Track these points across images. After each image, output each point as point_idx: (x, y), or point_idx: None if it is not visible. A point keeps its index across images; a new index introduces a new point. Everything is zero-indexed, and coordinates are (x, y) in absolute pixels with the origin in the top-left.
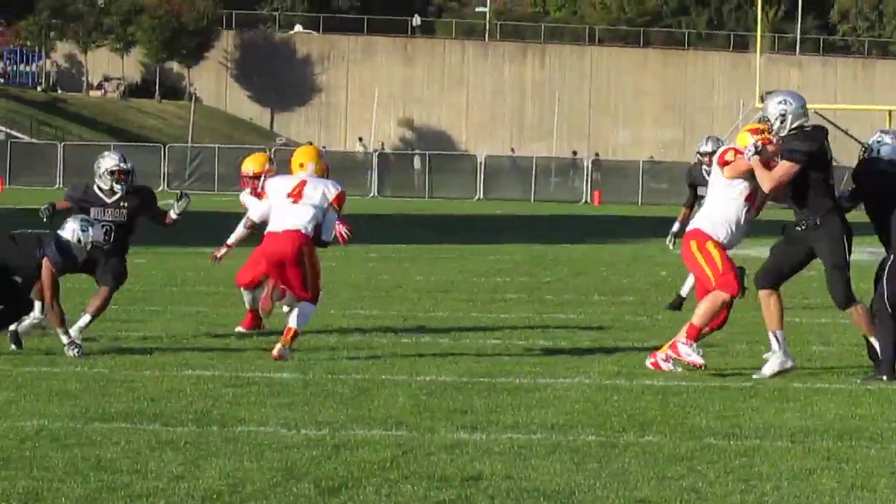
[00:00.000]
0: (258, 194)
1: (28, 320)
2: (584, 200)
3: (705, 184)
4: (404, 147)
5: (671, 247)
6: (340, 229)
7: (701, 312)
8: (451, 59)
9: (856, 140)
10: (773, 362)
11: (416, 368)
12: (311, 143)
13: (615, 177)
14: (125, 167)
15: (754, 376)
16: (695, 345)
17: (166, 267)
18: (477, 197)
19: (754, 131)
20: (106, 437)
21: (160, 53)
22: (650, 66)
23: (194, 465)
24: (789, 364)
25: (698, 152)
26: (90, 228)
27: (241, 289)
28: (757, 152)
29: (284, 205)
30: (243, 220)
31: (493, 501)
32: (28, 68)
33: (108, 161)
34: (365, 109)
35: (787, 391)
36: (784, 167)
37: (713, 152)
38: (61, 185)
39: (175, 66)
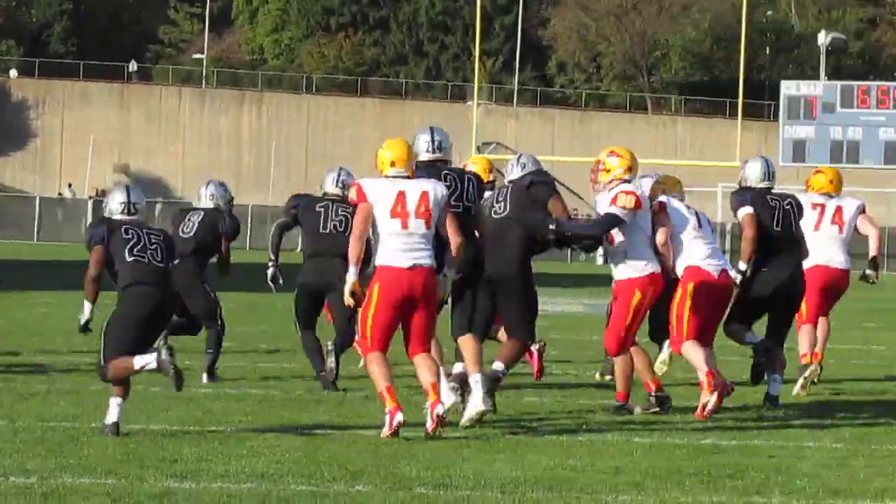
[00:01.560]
0: None
1: None
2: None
3: None
4: None
5: None
6: None
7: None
8: (167, 106)
9: (571, 191)
10: (471, 408)
11: (126, 417)
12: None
13: None
14: None
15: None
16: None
17: None
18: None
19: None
20: None
21: None
22: (368, 115)
23: None
24: (484, 407)
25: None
26: None
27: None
28: None
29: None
30: None
31: None
32: None
33: None
34: (80, 155)
35: (499, 441)
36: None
37: None
38: None
39: None
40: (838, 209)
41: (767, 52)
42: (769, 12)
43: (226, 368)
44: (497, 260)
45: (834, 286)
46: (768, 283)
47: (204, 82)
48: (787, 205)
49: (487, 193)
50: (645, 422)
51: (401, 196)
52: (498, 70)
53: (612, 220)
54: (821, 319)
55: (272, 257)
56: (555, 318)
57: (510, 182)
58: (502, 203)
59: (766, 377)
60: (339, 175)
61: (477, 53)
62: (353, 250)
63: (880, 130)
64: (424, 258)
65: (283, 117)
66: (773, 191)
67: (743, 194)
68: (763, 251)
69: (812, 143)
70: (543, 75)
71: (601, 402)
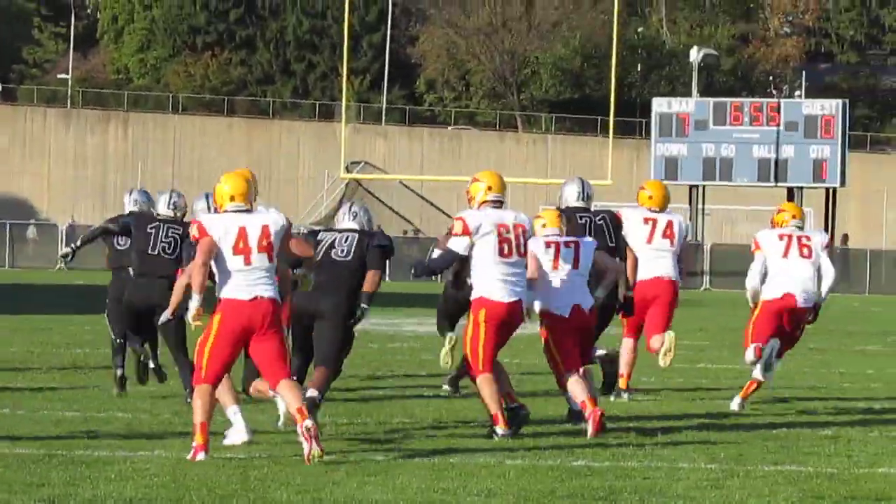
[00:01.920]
0: None
1: None
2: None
3: None
4: None
5: None
6: None
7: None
8: (32, 127)
9: (440, 210)
10: (234, 435)
11: None
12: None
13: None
14: None
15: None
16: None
17: None
18: (58, 267)
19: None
20: None
21: None
22: (235, 135)
23: None
24: (245, 437)
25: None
26: None
27: None
28: None
29: None
30: None
31: None
32: None
33: None
34: None
35: (369, 465)
36: None
37: None
38: None
39: None
40: (669, 223)
41: (639, 68)
42: (640, 29)
43: (96, 391)
44: (329, 296)
45: (664, 298)
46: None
47: (69, 102)
48: (599, 220)
49: (328, 234)
50: (518, 443)
51: (242, 232)
52: (366, 89)
53: (449, 257)
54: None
55: (77, 245)
56: (427, 338)
57: (350, 230)
58: (345, 248)
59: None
60: (170, 197)
61: (345, 72)
62: (196, 279)
63: (753, 147)
64: (267, 290)
65: (149, 137)
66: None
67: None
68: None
69: (684, 160)
70: (412, 94)
71: (473, 423)
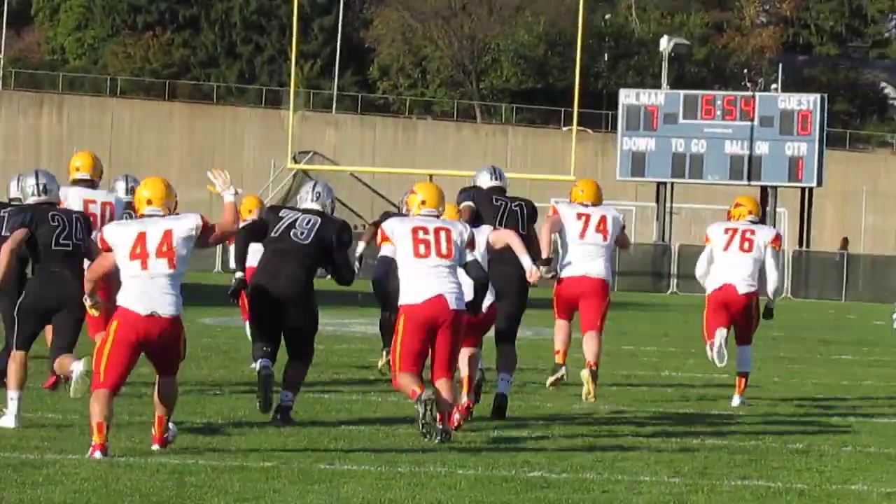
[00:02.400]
0: None
1: None
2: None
3: None
4: None
5: None
6: None
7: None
8: None
9: (392, 204)
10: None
11: None
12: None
13: None
14: None
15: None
16: None
17: None
18: None
19: None
20: None
21: None
22: (176, 120)
23: None
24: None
25: None
26: None
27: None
28: None
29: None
30: None
31: None
32: None
33: None
34: None
35: (313, 472)
36: None
37: None
38: None
39: None
40: (602, 218)
41: (606, 57)
42: (608, 16)
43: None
44: (289, 279)
45: (593, 298)
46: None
47: (1, 83)
48: (515, 206)
49: (290, 213)
50: (471, 451)
51: (141, 237)
52: (316, 74)
53: (385, 264)
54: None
55: None
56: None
57: (309, 210)
58: (306, 230)
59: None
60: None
61: (293, 56)
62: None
63: (726, 143)
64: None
65: (85, 121)
66: (507, 194)
67: (468, 191)
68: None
69: (652, 155)
70: (365, 80)
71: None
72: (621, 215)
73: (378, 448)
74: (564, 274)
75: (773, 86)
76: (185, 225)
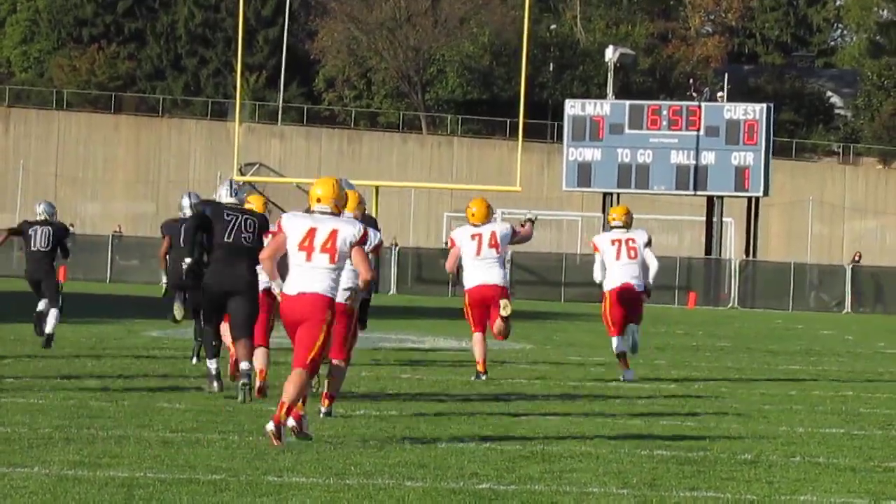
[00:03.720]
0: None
1: None
2: None
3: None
4: None
5: None
6: None
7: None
8: None
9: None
10: None
11: None
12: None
13: (83, 252)
14: None
15: None
16: None
17: None
18: None
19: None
20: None
21: None
22: (122, 133)
23: None
24: None
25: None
26: None
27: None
28: None
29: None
30: None
31: None
32: None
33: None
34: None
35: (261, 485)
36: None
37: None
38: None
39: None
40: (492, 234)
41: (551, 68)
42: (553, 26)
43: None
44: (242, 276)
45: (487, 301)
46: (210, 287)
47: None
48: (245, 219)
49: (232, 215)
50: (419, 464)
51: (311, 232)
52: (262, 86)
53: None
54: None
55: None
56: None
57: (250, 214)
58: (250, 235)
59: None
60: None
61: (239, 68)
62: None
63: (672, 153)
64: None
65: (31, 134)
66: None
67: (205, 204)
68: (213, 259)
69: (598, 166)
70: (310, 92)
71: (372, 442)
72: (508, 225)
73: (326, 460)
74: (468, 286)
75: (719, 95)
76: (349, 230)
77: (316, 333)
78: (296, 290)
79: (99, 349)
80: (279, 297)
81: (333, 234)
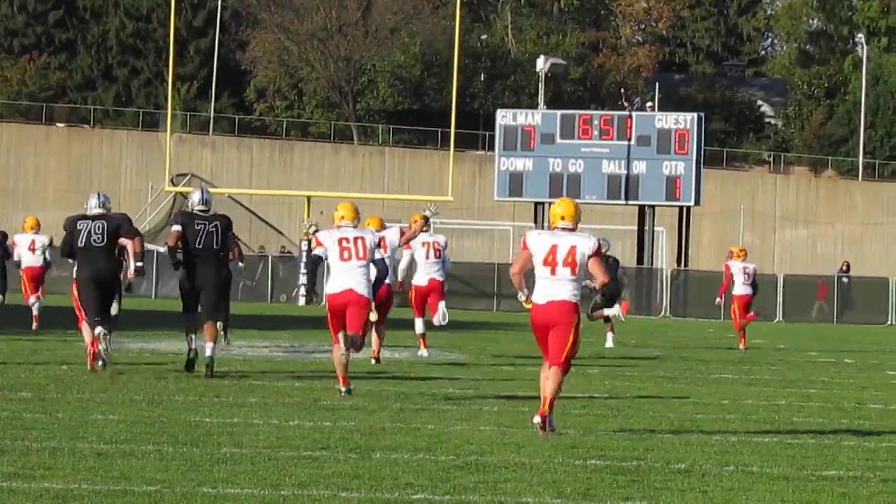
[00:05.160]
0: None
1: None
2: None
3: None
4: None
5: None
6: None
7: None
8: None
9: (270, 226)
10: None
11: None
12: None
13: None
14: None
15: None
16: None
17: None
18: None
19: None
20: None
21: None
22: (54, 144)
23: None
24: None
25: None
26: None
27: None
28: None
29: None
30: None
31: None
32: None
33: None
34: None
35: (196, 496)
36: None
37: None
38: None
39: None
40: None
41: (482, 78)
42: (484, 36)
43: None
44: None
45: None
46: (190, 281)
47: None
48: (212, 227)
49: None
50: (354, 474)
51: (553, 249)
52: (193, 96)
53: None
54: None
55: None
56: (257, 362)
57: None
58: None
59: None
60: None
61: (170, 78)
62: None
63: (603, 163)
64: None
65: None
66: (209, 213)
67: (177, 216)
68: (190, 262)
69: (530, 175)
70: (242, 102)
71: (305, 454)
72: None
73: (260, 471)
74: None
75: (649, 105)
76: (586, 244)
77: (566, 335)
78: (545, 300)
79: (33, 360)
80: (525, 305)
81: (572, 249)
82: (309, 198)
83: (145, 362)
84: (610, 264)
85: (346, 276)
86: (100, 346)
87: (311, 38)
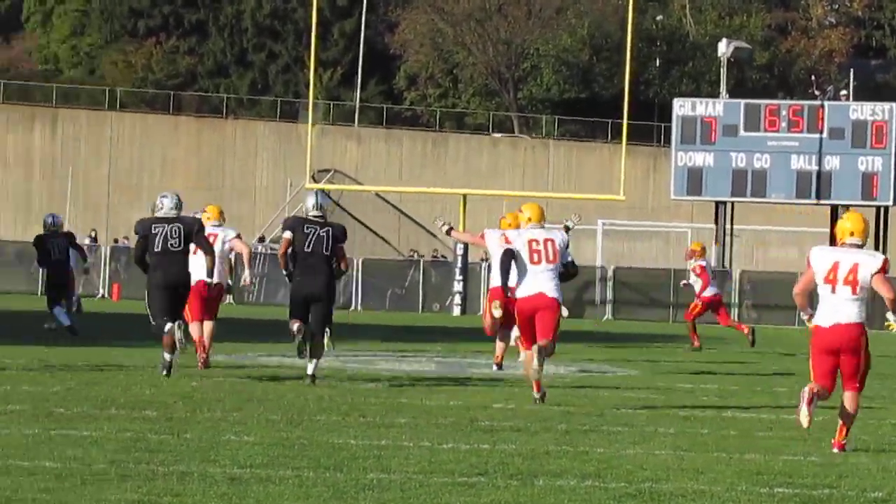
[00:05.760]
0: None
1: None
2: (100, 294)
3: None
4: None
5: None
6: None
7: None
8: None
9: (421, 227)
10: None
11: None
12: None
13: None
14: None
15: None
16: None
17: None
18: None
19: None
20: None
21: None
22: (182, 136)
23: None
24: None
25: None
26: None
27: None
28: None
29: None
30: None
31: None
32: None
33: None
34: None
35: None
36: None
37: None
38: None
39: None
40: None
41: (657, 63)
42: (660, 17)
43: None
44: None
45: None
46: (299, 290)
47: None
48: (323, 232)
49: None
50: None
51: (835, 266)
52: (336, 84)
53: None
54: None
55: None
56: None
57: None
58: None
59: None
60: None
61: (312, 64)
62: None
63: (792, 158)
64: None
65: (80, 137)
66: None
67: (287, 221)
68: (299, 267)
69: (710, 171)
70: (390, 90)
71: (461, 480)
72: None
73: (411, 499)
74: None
75: (843, 93)
76: (870, 262)
77: (859, 361)
78: (829, 322)
79: (157, 375)
80: (809, 325)
81: (855, 267)
82: (465, 196)
83: (284, 377)
84: None
85: (537, 280)
86: (176, 336)
87: (467, 19)
